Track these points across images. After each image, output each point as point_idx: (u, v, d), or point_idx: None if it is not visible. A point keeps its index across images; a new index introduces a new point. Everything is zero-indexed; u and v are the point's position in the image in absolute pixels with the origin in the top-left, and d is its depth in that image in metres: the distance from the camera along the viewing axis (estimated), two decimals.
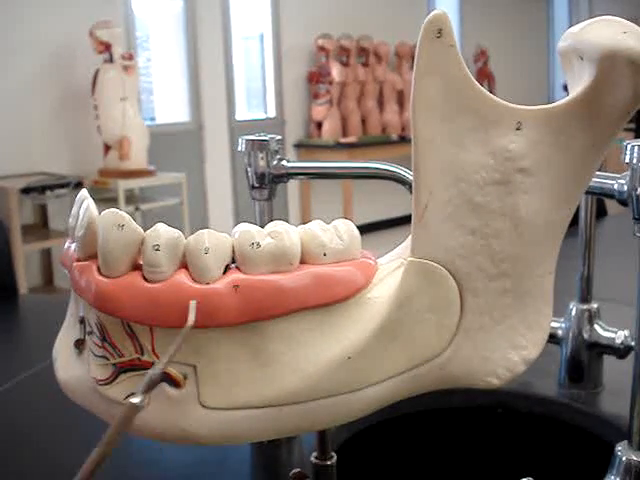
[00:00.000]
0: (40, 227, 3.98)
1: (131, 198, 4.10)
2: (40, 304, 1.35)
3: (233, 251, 0.38)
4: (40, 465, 0.67)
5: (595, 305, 0.73)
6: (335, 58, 5.53)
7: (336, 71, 5.45)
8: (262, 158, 0.63)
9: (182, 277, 0.37)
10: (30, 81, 4.00)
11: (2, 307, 1.21)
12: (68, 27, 4.08)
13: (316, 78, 5.51)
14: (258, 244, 0.37)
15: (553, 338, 0.74)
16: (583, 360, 0.73)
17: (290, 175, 0.64)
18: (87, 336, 0.40)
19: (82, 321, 0.40)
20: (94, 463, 0.31)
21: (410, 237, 0.40)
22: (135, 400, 0.32)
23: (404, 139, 5.53)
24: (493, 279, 0.39)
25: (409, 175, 0.58)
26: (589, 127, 0.38)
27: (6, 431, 0.74)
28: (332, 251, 0.39)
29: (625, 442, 0.54)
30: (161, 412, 0.38)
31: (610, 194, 0.52)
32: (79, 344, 0.41)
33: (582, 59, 0.38)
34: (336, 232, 0.39)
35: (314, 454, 0.50)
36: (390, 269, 0.40)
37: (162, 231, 0.37)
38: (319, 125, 5.54)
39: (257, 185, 0.64)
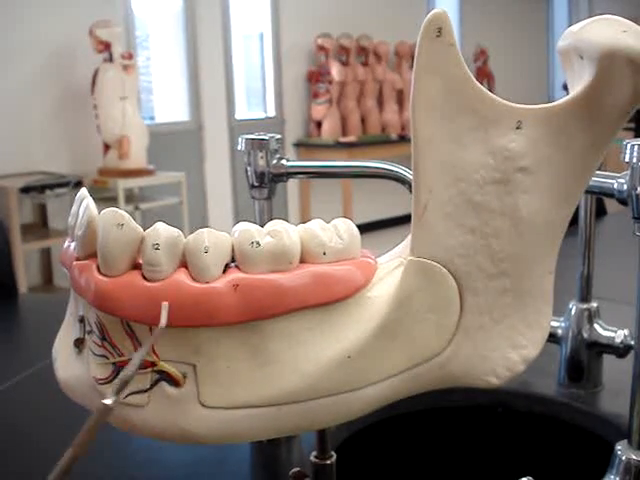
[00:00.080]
0: (40, 226, 3.98)
1: (131, 197, 4.10)
2: (40, 303, 1.35)
3: (233, 250, 0.38)
4: (40, 465, 0.67)
5: (595, 304, 0.73)
6: (335, 57, 5.53)
7: (336, 70, 5.45)
8: (262, 157, 0.63)
9: (182, 276, 0.37)
10: (30, 80, 4.00)
11: (2, 306, 1.21)
12: (68, 27, 4.08)
13: (316, 77, 5.51)
14: (258, 243, 0.37)
15: (553, 337, 0.74)
16: (583, 359, 0.73)
17: (290, 174, 0.64)
18: (87, 335, 0.40)
19: (82, 320, 0.40)
20: (67, 464, 0.31)
21: (410, 236, 0.40)
22: (107, 401, 0.32)
23: (404, 138, 5.53)
24: (493, 278, 0.39)
25: (409, 174, 0.58)
26: (589, 126, 0.38)
27: (6, 430, 0.74)
28: (332, 250, 0.39)
29: (625, 441, 0.54)
30: (160, 411, 0.38)
31: (610, 193, 0.52)
32: (79, 343, 0.41)
33: (582, 58, 0.38)
34: (336, 231, 0.39)
35: (314, 453, 0.50)
36: (390, 268, 0.40)
37: (162, 230, 0.37)
38: (319, 124, 5.54)
39: (257, 184, 0.64)
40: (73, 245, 0.40)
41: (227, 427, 0.38)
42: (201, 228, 0.38)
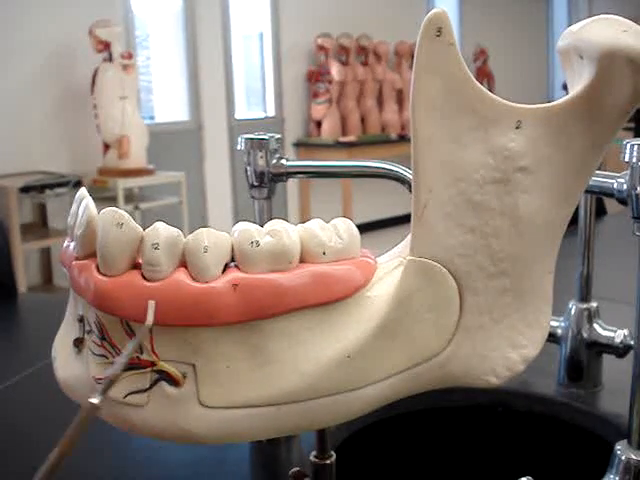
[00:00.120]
0: (39, 226, 3.98)
1: (130, 197, 4.10)
2: (39, 303, 1.35)
3: (232, 250, 0.38)
4: (40, 464, 0.67)
5: (594, 304, 0.73)
6: (334, 57, 5.53)
7: (335, 70, 5.45)
8: (261, 157, 0.63)
9: (181, 276, 0.37)
10: (29, 80, 4.00)
11: (1, 306, 1.21)
12: (67, 26, 4.08)
13: (315, 77, 5.51)
14: (257, 243, 0.37)
15: (552, 337, 0.74)
16: (582, 359, 0.73)
17: (289, 174, 0.64)
18: (86, 335, 0.40)
19: (81, 320, 0.40)
20: (54, 463, 0.31)
21: (409, 236, 0.40)
22: (94, 400, 0.32)
23: (403, 138, 5.53)
24: (492, 278, 0.39)
25: (408, 174, 0.58)
26: (589, 126, 0.38)
27: (6, 430, 0.74)
28: (331, 250, 0.39)
29: (624, 441, 0.54)
30: (160, 411, 0.38)
31: (609, 193, 0.52)
32: (78, 343, 0.41)
33: (582, 58, 0.38)
34: (335, 231, 0.39)
35: (313, 453, 0.50)
36: (389, 268, 0.40)
37: (161, 230, 0.37)
38: (318, 124, 5.54)
39: (256, 184, 0.64)
40: (72, 245, 0.40)
41: (227, 427, 0.38)
42: (201, 228, 0.38)
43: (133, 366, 0.38)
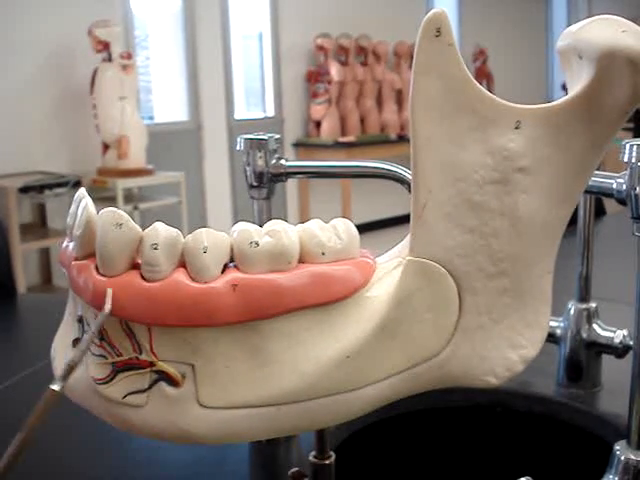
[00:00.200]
0: (39, 226, 3.97)
1: (130, 197, 4.10)
2: (38, 303, 1.35)
3: (231, 250, 0.38)
4: (40, 465, 0.67)
5: (594, 304, 0.73)
6: (334, 57, 5.53)
7: (335, 70, 5.45)
8: (261, 157, 0.63)
9: (180, 276, 0.37)
10: (29, 80, 3.99)
11: (1, 306, 1.21)
12: (67, 26, 4.08)
13: (315, 77, 5.51)
14: (257, 243, 0.37)
15: (552, 337, 0.74)
16: (582, 359, 0.73)
17: (289, 174, 0.64)
18: (85, 335, 0.40)
19: (80, 320, 0.40)
20: (17, 448, 0.31)
21: (409, 236, 0.40)
22: (54, 386, 0.32)
23: (403, 138, 5.53)
24: (492, 278, 0.39)
25: (408, 174, 0.58)
26: (588, 126, 0.38)
27: (5, 430, 0.74)
28: (331, 250, 0.39)
29: (624, 441, 0.54)
30: (160, 411, 0.38)
31: (609, 193, 0.52)
32: (77, 343, 0.41)
33: (581, 58, 0.38)
34: (335, 231, 0.39)
35: (313, 453, 0.50)
36: (389, 268, 0.40)
37: (160, 230, 0.37)
38: (318, 124, 5.54)
39: (256, 184, 0.64)
40: (72, 245, 0.40)
41: (226, 427, 0.38)
42: (200, 228, 0.38)
43: (132, 366, 0.38)
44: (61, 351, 0.42)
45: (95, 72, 3.93)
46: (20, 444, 0.31)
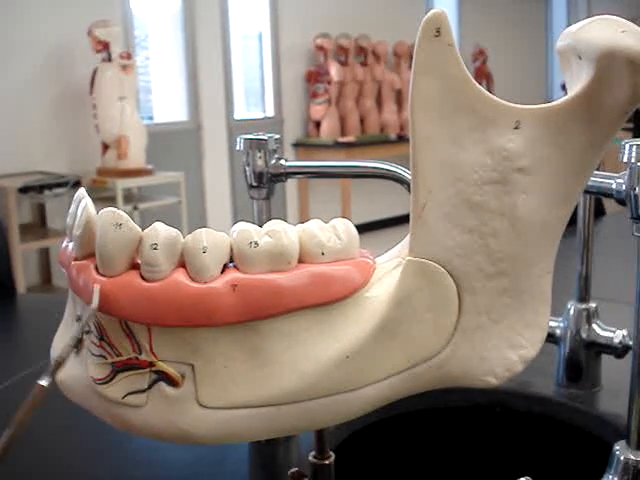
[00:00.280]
0: (38, 226, 3.97)
1: (129, 197, 4.10)
2: (38, 303, 1.35)
3: (231, 250, 0.38)
4: (39, 465, 0.67)
5: (593, 304, 0.73)
6: (333, 57, 5.53)
7: (334, 70, 5.45)
8: (260, 157, 0.63)
9: (180, 276, 0.37)
10: (28, 80, 3.99)
11: (0, 306, 1.21)
12: (67, 26, 4.08)
13: (314, 77, 5.51)
14: (256, 243, 0.37)
15: (551, 337, 0.74)
16: (581, 359, 0.73)
17: (288, 174, 0.64)
18: (85, 335, 0.40)
19: (80, 320, 0.40)
20: (6, 442, 0.31)
21: (408, 236, 0.40)
22: (42, 382, 0.32)
23: (402, 138, 5.53)
24: (491, 278, 0.39)
25: (407, 174, 0.58)
26: (588, 126, 0.38)
27: (4, 430, 0.74)
28: (330, 250, 0.39)
29: (623, 441, 0.54)
30: (159, 411, 0.38)
31: (608, 193, 0.52)
32: (77, 343, 0.41)
33: (580, 58, 0.38)
34: (334, 231, 0.39)
35: (312, 453, 0.50)
36: (388, 268, 0.40)
37: (160, 230, 0.37)
38: (317, 124, 5.54)
39: (255, 184, 0.64)
40: (71, 245, 0.40)
41: (226, 427, 0.38)
42: (200, 228, 0.38)
43: (132, 366, 0.38)
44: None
45: (95, 72, 3.93)
46: (8, 439, 0.31)
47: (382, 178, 0.62)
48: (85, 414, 0.42)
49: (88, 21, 3.92)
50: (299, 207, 5.54)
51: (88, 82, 3.98)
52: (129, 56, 4.04)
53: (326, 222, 0.40)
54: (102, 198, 3.85)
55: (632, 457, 0.53)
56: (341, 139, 5.41)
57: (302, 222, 0.40)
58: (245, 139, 0.64)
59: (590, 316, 0.73)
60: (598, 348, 0.73)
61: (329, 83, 5.46)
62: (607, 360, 0.73)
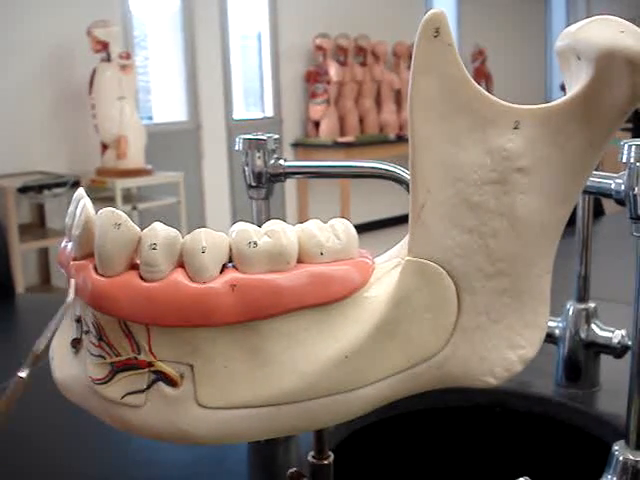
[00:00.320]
0: (37, 226, 3.97)
1: (128, 197, 4.10)
2: (37, 303, 1.35)
3: (230, 250, 0.38)
4: (39, 465, 0.67)
5: (592, 304, 0.73)
6: (333, 57, 5.53)
7: (334, 70, 5.45)
8: (259, 157, 0.63)
9: (179, 276, 0.37)
10: (28, 80, 3.99)
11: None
12: (66, 26, 4.08)
13: (314, 77, 5.51)
14: (255, 243, 0.37)
15: (550, 337, 0.74)
16: (580, 359, 0.73)
17: (287, 174, 0.64)
18: (84, 335, 0.40)
19: (79, 320, 0.40)
20: None
21: (407, 236, 0.40)
22: (21, 374, 0.32)
23: (402, 138, 5.53)
24: (490, 278, 0.39)
25: (406, 174, 0.58)
26: (587, 126, 0.38)
27: (4, 431, 0.74)
28: (329, 250, 0.39)
29: (622, 441, 0.54)
30: (158, 412, 0.38)
31: (607, 194, 0.52)
32: (76, 343, 0.41)
33: (580, 58, 0.38)
34: (333, 231, 0.39)
35: (311, 453, 0.50)
36: (387, 268, 0.40)
37: (159, 230, 0.37)
38: (317, 124, 5.54)
39: (254, 184, 0.64)
40: (70, 245, 0.40)
41: (225, 427, 0.38)
42: (199, 228, 0.38)
43: (131, 366, 0.38)
44: (60, 351, 0.42)
45: (94, 72, 3.93)
46: None
47: (381, 178, 0.62)
48: (85, 414, 0.42)
49: (87, 21, 3.92)
50: (298, 207, 5.54)
51: (87, 82, 3.98)
52: (128, 56, 4.04)
53: (325, 222, 0.40)
54: (101, 198, 3.85)
55: (631, 457, 0.53)
56: (340, 139, 5.41)
57: (301, 222, 0.40)
58: (244, 139, 0.64)
59: (589, 316, 0.73)
60: (597, 348, 0.73)
61: (328, 83, 5.46)
62: (606, 360, 0.73)
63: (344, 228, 0.40)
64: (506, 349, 0.40)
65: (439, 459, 0.78)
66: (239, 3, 5.24)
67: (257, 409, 0.37)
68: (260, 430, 0.38)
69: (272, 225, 0.38)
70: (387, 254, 0.43)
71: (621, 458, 0.53)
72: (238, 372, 0.37)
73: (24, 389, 0.33)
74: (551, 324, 0.74)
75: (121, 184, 3.90)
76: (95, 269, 0.38)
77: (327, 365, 0.37)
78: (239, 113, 5.33)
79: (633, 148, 0.49)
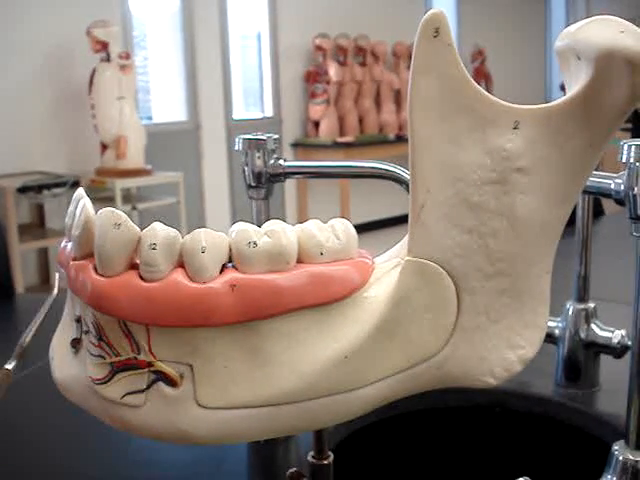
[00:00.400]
0: (37, 226, 3.97)
1: (128, 197, 4.10)
2: (37, 303, 1.35)
3: (230, 250, 0.38)
4: (39, 465, 0.67)
5: (592, 304, 0.73)
6: (332, 57, 5.53)
7: (333, 70, 5.45)
8: (259, 157, 0.63)
9: (179, 276, 0.37)
10: (27, 80, 3.99)
11: None
12: (66, 26, 4.08)
13: (313, 77, 5.51)
14: (255, 243, 0.37)
15: (550, 337, 0.74)
16: (580, 360, 0.73)
17: (287, 174, 0.64)
18: (83, 335, 0.40)
19: (78, 320, 0.40)
20: None
21: (407, 236, 0.40)
22: (8, 366, 0.32)
23: (401, 138, 5.53)
24: (490, 278, 0.39)
25: (406, 174, 0.58)
26: (586, 126, 0.38)
27: (4, 431, 0.74)
28: (329, 250, 0.39)
29: (622, 441, 0.54)
30: (158, 412, 0.38)
31: (607, 194, 0.52)
32: (75, 343, 0.41)
33: (579, 58, 0.38)
34: (333, 231, 0.39)
35: (311, 453, 0.50)
36: (387, 268, 0.40)
37: (159, 230, 0.37)
38: (316, 124, 5.54)
39: (254, 184, 0.64)
40: (70, 245, 0.40)
41: (225, 427, 0.38)
42: (198, 228, 0.38)
43: (130, 366, 0.38)
44: (60, 351, 0.42)
45: (93, 72, 3.93)
46: None
47: (381, 178, 0.62)
48: (85, 414, 0.42)
49: (87, 21, 3.92)
50: (298, 207, 5.54)
51: (87, 82, 3.98)
52: (128, 56, 4.04)
53: (325, 222, 0.40)
54: (101, 198, 3.86)
55: (631, 457, 0.53)
56: (340, 139, 5.41)
57: (301, 222, 0.40)
58: (244, 139, 0.64)
59: (589, 316, 0.73)
60: (597, 348, 0.73)
61: (328, 83, 5.46)
62: (606, 360, 0.73)
63: (344, 228, 0.40)
64: (506, 349, 0.40)
65: (439, 459, 0.78)
66: (239, 3, 5.24)
67: (257, 409, 0.37)
68: (260, 430, 0.38)
69: (272, 225, 0.38)
70: (387, 254, 0.43)
71: (621, 458, 0.53)
72: (238, 372, 0.37)
73: (10, 380, 0.33)
74: (551, 324, 0.74)
75: (121, 184, 3.90)
76: (95, 269, 0.38)
77: (327, 365, 0.37)
78: (239, 113, 5.33)
79: (633, 148, 0.49)
